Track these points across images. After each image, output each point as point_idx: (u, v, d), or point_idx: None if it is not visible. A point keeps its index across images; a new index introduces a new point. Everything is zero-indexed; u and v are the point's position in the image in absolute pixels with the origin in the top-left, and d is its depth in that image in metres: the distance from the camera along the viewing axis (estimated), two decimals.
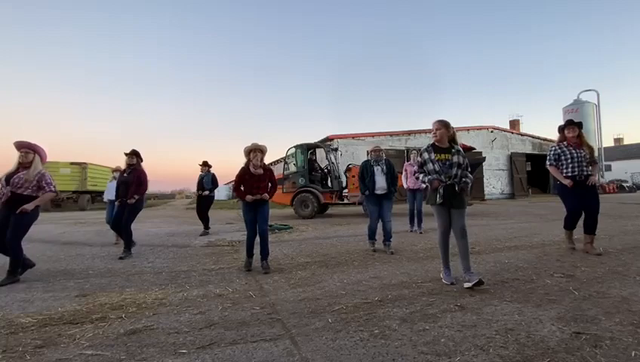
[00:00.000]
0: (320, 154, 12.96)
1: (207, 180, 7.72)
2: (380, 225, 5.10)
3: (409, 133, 20.88)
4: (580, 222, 4.40)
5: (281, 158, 14.14)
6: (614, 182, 31.66)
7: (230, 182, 8.67)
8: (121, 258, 4.91)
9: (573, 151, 4.22)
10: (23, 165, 3.88)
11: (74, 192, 20.00)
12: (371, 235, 5.15)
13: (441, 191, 3.16)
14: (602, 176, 33.88)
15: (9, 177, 3.82)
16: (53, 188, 3.95)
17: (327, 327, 2.29)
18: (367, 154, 5.87)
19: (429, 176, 3.24)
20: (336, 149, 12.94)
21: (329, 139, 18.94)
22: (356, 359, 1.86)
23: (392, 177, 5.11)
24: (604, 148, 37.36)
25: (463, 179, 3.20)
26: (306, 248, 5.44)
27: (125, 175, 5.34)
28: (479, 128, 23.13)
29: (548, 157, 4.48)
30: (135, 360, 1.93)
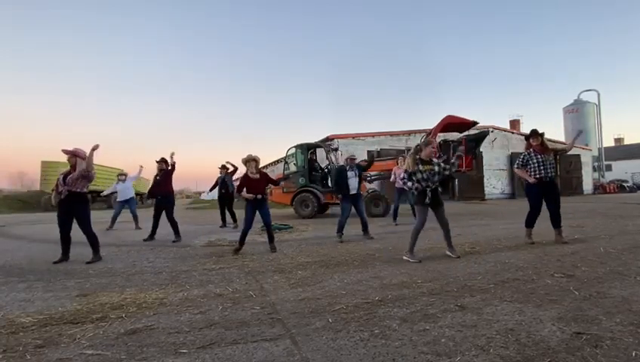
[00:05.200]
0: (320, 154, 12.96)
1: (229, 180, 8.95)
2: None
3: (409, 132, 20.89)
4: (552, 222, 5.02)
5: (282, 158, 14.14)
6: (615, 182, 31.63)
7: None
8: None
9: (540, 156, 4.89)
10: (72, 167, 4.70)
11: None
12: (340, 229, 6.01)
13: (429, 194, 4.14)
14: (603, 176, 33.91)
15: (65, 177, 4.62)
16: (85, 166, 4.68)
17: (328, 327, 2.29)
18: (367, 153, 6.66)
19: (417, 184, 4.15)
20: (336, 149, 12.95)
21: (329, 138, 18.94)
22: (356, 359, 1.86)
23: (360, 179, 6.16)
24: (605, 148, 37.43)
25: (439, 188, 4.31)
26: (307, 248, 5.44)
27: (158, 178, 6.95)
28: (479, 128, 23.12)
29: (517, 162, 5.17)
30: (135, 359, 1.93)
